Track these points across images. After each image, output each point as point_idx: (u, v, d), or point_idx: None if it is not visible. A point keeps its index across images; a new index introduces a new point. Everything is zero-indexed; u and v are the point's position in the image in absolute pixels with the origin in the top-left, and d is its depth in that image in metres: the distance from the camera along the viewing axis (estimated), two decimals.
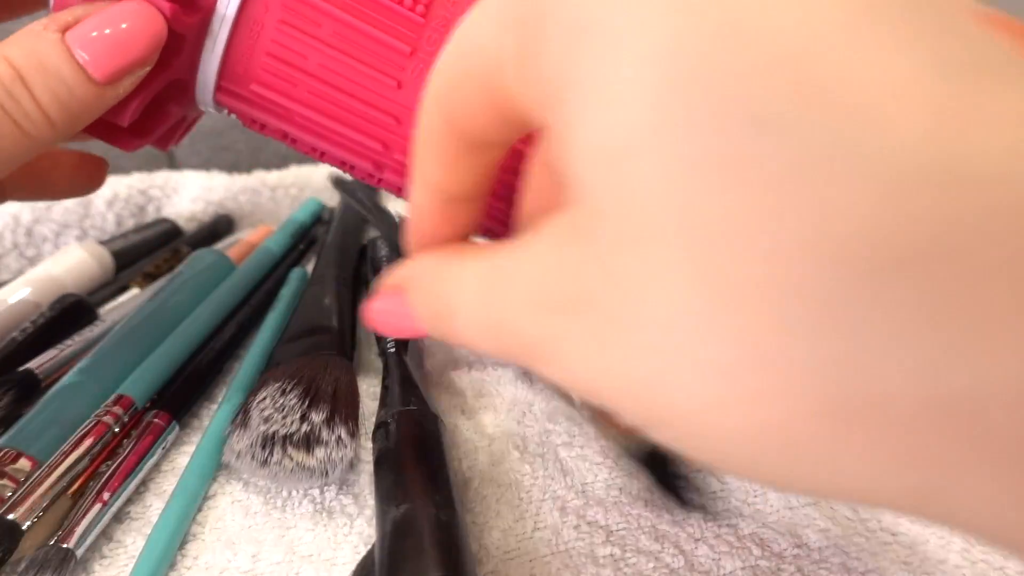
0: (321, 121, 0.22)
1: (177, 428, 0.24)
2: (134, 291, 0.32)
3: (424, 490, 0.19)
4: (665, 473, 0.20)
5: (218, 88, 0.22)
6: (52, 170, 0.24)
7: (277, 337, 0.28)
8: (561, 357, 0.12)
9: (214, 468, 0.23)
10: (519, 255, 0.13)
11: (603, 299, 0.10)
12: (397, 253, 0.33)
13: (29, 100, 0.17)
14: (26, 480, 0.20)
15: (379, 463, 0.20)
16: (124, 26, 0.17)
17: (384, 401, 0.23)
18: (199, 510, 0.21)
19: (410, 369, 0.25)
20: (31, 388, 0.25)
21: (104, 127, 0.21)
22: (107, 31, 0.17)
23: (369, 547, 0.20)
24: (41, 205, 0.37)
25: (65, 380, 0.24)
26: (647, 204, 0.09)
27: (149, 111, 0.22)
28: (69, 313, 0.29)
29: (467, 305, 0.14)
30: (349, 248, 0.34)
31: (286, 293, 0.31)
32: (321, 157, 0.25)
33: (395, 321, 0.16)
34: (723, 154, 0.09)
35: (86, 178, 0.25)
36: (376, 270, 0.32)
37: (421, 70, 0.22)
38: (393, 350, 0.26)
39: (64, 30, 0.17)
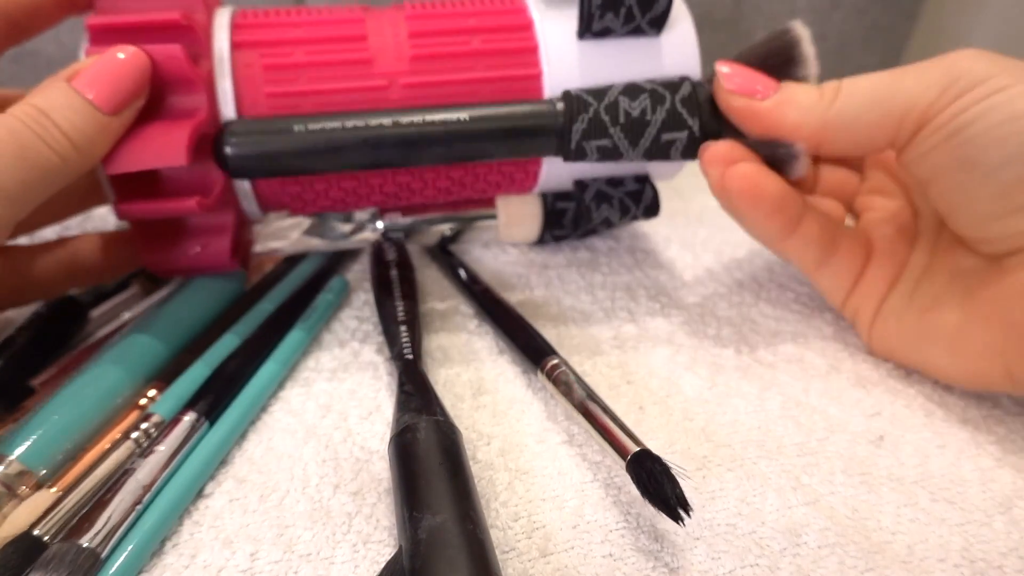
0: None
1: (209, 429, 0.23)
2: (134, 290, 0.32)
3: (458, 503, 0.19)
4: (659, 488, 0.20)
5: None
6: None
7: (303, 347, 0.28)
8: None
9: (217, 462, 0.23)
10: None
11: None
12: (405, 258, 0.33)
13: (53, 127, 0.21)
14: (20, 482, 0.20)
15: (406, 467, 0.20)
16: (114, 68, 0.23)
17: (407, 406, 0.22)
18: (197, 509, 0.21)
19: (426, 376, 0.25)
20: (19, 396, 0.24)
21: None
22: (102, 73, 0.23)
23: (386, 550, 0.20)
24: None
25: (66, 385, 0.23)
26: None
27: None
28: (60, 313, 0.29)
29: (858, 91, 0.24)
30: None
31: (323, 301, 0.30)
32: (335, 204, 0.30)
33: (749, 87, 0.26)
34: None
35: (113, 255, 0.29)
36: (382, 271, 0.32)
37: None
38: (411, 356, 0.26)
39: (69, 79, 0.22)
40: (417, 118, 0.26)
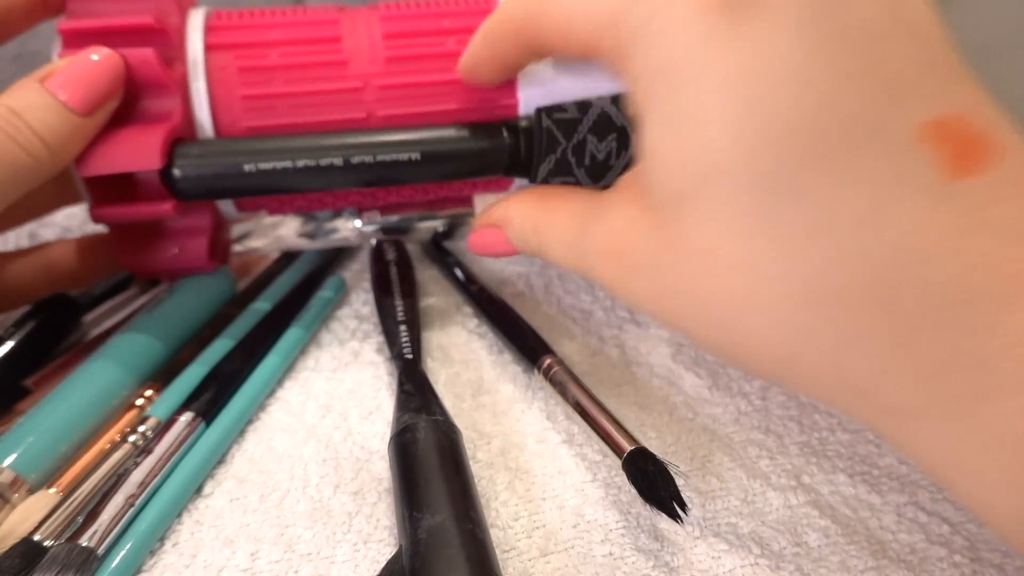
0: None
1: (205, 429, 0.23)
2: (131, 291, 0.32)
3: (457, 502, 0.18)
4: (655, 488, 0.20)
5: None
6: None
7: (300, 346, 0.28)
8: (628, 294, 0.19)
9: (215, 461, 0.23)
10: (603, 216, 0.20)
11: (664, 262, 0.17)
12: (405, 257, 0.33)
13: (26, 128, 0.21)
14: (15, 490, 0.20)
15: (406, 467, 0.20)
16: (88, 69, 0.23)
17: (407, 406, 0.22)
18: (197, 508, 0.21)
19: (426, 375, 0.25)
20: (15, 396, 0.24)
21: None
22: (76, 75, 0.23)
23: (383, 550, 0.20)
24: None
25: (58, 389, 0.23)
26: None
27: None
28: (54, 311, 0.29)
29: (556, 250, 0.22)
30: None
31: (320, 300, 0.30)
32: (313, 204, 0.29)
33: (493, 247, 0.25)
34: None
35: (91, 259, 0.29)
36: (382, 270, 0.32)
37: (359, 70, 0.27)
38: (411, 356, 0.26)
39: (43, 79, 0.22)
40: (368, 158, 0.25)
